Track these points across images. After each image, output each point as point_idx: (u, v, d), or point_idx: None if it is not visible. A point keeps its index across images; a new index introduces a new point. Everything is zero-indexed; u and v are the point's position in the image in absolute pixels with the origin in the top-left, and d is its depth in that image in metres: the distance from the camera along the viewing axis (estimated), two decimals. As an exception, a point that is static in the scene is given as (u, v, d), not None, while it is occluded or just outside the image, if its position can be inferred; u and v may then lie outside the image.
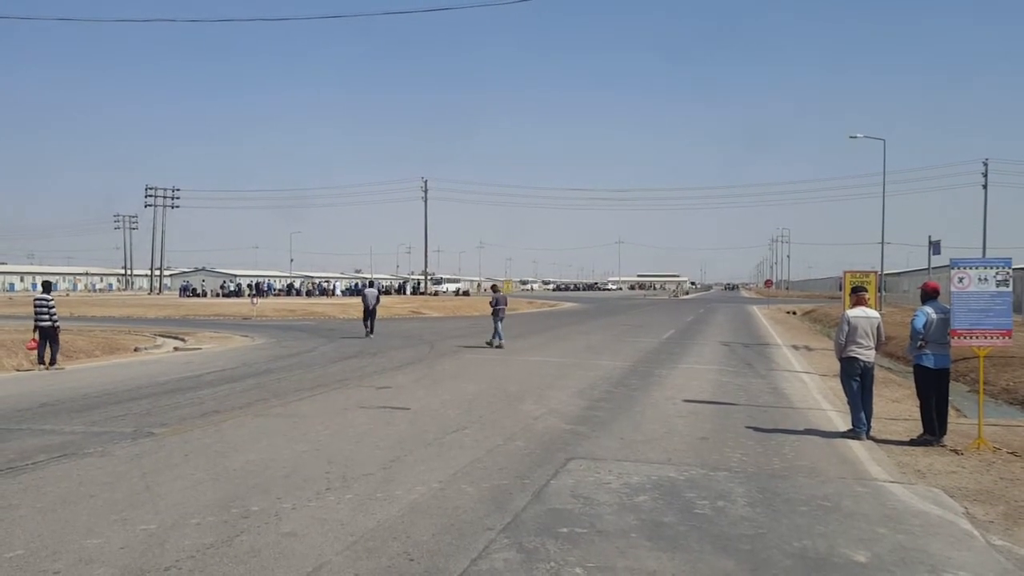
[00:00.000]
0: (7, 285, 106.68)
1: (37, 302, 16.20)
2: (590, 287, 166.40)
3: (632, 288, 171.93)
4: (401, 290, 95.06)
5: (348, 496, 6.31)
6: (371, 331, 25.12)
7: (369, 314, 25.38)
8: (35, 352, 16.12)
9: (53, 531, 5.40)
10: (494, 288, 23.57)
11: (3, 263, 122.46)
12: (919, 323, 8.85)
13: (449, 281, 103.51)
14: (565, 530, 5.54)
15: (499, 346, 20.78)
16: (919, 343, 8.88)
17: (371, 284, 27.99)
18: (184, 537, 5.28)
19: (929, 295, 9.13)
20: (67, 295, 75.75)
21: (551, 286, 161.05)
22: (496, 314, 21.42)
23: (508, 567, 4.82)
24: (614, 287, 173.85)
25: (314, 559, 4.91)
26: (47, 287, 16.91)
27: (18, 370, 15.94)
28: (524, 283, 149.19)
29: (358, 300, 32.06)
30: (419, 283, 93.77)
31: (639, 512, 6.01)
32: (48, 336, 15.96)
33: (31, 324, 16.87)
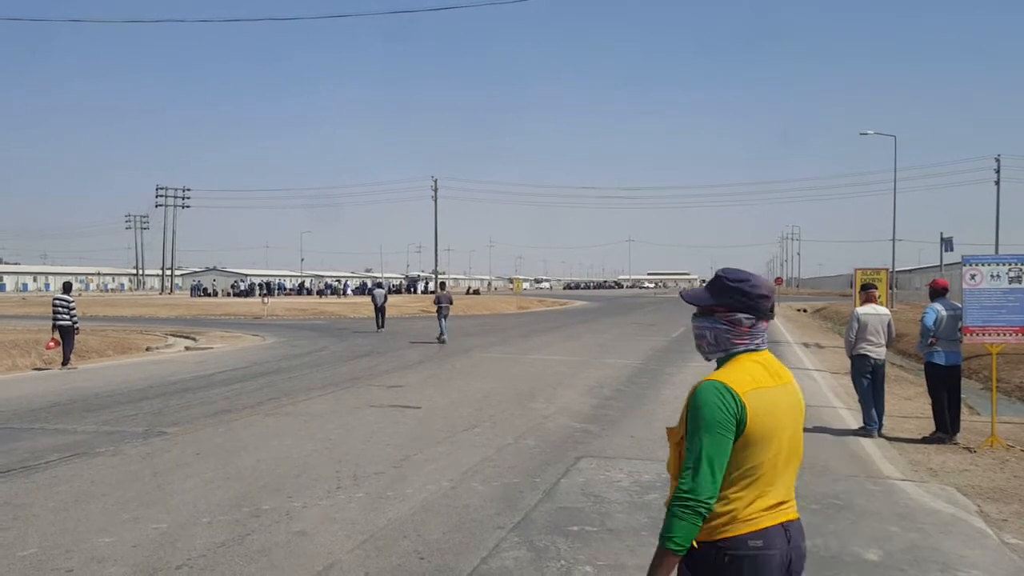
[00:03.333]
0: (20, 285, 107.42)
1: (56, 302, 16.31)
2: (599, 285, 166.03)
3: (642, 286, 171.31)
4: (411, 289, 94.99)
5: (359, 495, 6.33)
6: (381, 326, 27.32)
7: (379, 311, 27.67)
8: (53, 351, 16.25)
9: (66, 530, 5.44)
10: (442, 286, 25.52)
11: (16, 263, 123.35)
12: (929, 320, 8.82)
13: (424, 280, 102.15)
14: (575, 528, 5.53)
15: (442, 341, 21.88)
16: (930, 340, 8.84)
17: (379, 285, 30.41)
18: (195, 536, 5.30)
19: (938, 292, 9.09)
20: (79, 295, 76.10)
21: (543, 285, 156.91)
22: (439, 312, 22.65)
23: (518, 565, 4.82)
24: (649, 284, 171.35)
25: (325, 558, 4.92)
26: (67, 288, 17.05)
27: (33, 369, 16.05)
28: (512, 281, 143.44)
29: (368, 299, 33.37)
30: (427, 282, 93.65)
31: (650, 510, 6.00)
32: (66, 336, 16.09)
33: (42, 324, 16.99)
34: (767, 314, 2.48)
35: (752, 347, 2.46)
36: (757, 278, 2.51)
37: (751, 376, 2.37)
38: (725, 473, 2.31)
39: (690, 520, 2.25)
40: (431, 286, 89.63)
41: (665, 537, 2.26)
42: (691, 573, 2.37)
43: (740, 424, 2.30)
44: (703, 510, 2.25)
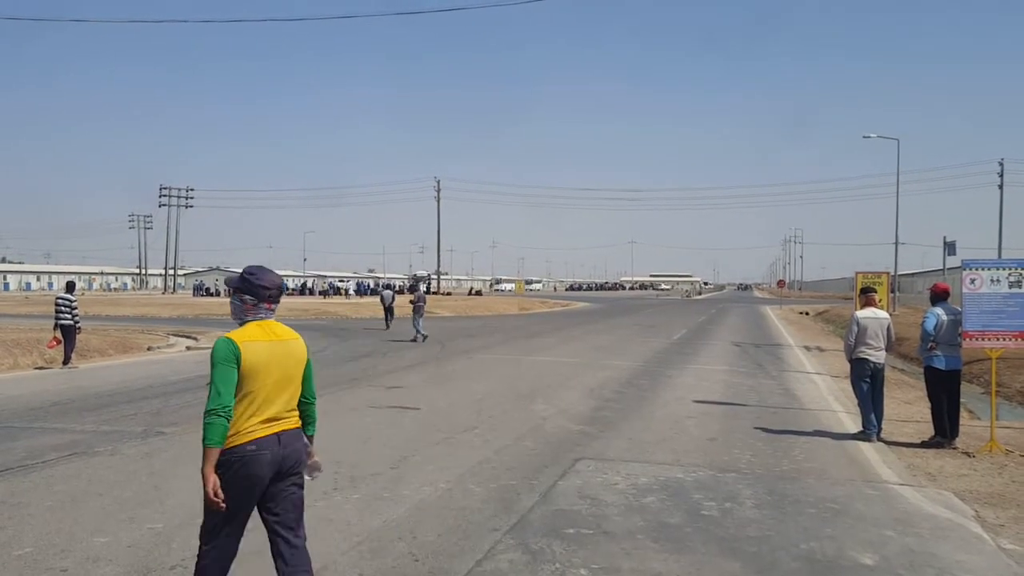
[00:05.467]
0: (24, 284, 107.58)
1: (59, 301, 16.32)
2: (601, 287, 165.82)
3: (644, 288, 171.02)
4: (414, 289, 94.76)
5: (355, 496, 6.33)
6: (389, 326, 28.69)
7: (387, 311, 29.66)
8: (54, 350, 16.26)
9: (62, 529, 5.44)
10: (415, 287, 27.34)
11: (20, 263, 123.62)
12: (930, 325, 8.80)
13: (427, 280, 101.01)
14: (571, 531, 5.52)
15: (420, 339, 22.66)
16: (929, 345, 8.83)
17: (389, 286, 32.24)
18: (191, 536, 5.26)
19: (939, 296, 9.08)
20: (82, 294, 76.22)
21: (534, 286, 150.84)
22: (416, 311, 23.50)
23: (513, 568, 4.81)
24: (666, 287, 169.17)
25: (319, 559, 4.89)
26: (70, 287, 17.07)
27: (35, 368, 16.07)
28: (498, 282, 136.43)
29: (368, 300, 34.28)
30: (429, 282, 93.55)
31: (646, 513, 5.99)
32: (67, 335, 16.10)
33: (44, 323, 16.96)
34: (267, 299, 3.72)
35: (258, 318, 3.71)
36: (263, 274, 3.75)
37: (249, 334, 3.60)
38: (238, 396, 3.49)
39: (219, 423, 3.40)
40: (434, 286, 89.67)
41: (205, 439, 3.39)
42: (220, 477, 3.44)
43: (238, 361, 3.50)
44: (224, 414, 3.41)
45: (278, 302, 3.79)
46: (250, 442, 3.50)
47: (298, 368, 3.74)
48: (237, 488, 3.48)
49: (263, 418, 3.56)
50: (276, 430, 3.60)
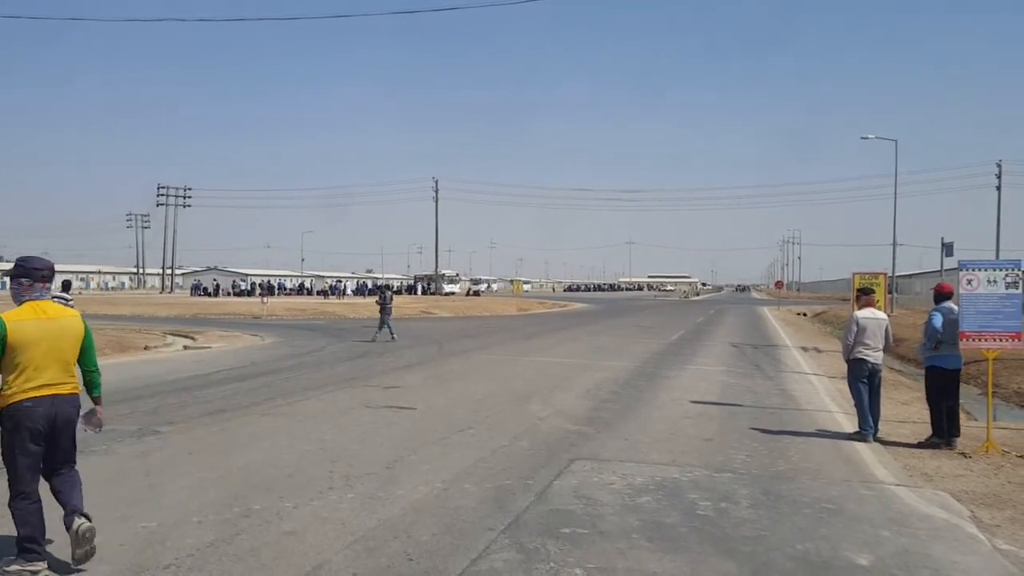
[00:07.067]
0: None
1: (55, 300, 16.21)
2: (598, 287, 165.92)
3: (640, 288, 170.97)
4: (411, 290, 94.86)
5: (350, 495, 6.31)
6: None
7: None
8: None
9: (55, 528, 5.40)
10: (383, 287, 27.77)
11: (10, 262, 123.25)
12: (937, 323, 8.78)
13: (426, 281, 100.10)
14: (567, 531, 5.52)
15: (392, 338, 22.93)
16: (935, 343, 8.82)
17: (388, 287, 32.92)
18: (185, 535, 5.28)
19: (943, 296, 9.08)
20: (79, 293, 76.08)
21: (525, 287, 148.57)
22: (384, 311, 23.82)
23: (508, 567, 4.80)
24: (671, 288, 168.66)
25: (313, 558, 4.91)
26: (67, 286, 16.97)
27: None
28: (476, 282, 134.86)
29: (366, 301, 34.21)
30: (429, 282, 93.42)
31: (641, 513, 5.98)
32: None
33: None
34: (40, 278, 4.64)
35: (34, 298, 4.60)
36: (34, 259, 4.71)
37: (20, 314, 4.49)
38: (12, 365, 4.42)
39: None
40: (433, 287, 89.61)
41: None
42: (5, 427, 4.44)
43: (4, 337, 4.38)
44: None
45: (51, 281, 4.70)
46: (27, 399, 4.44)
47: (71, 342, 4.65)
48: (22, 433, 4.44)
49: (37, 383, 4.46)
50: (49, 393, 4.51)
